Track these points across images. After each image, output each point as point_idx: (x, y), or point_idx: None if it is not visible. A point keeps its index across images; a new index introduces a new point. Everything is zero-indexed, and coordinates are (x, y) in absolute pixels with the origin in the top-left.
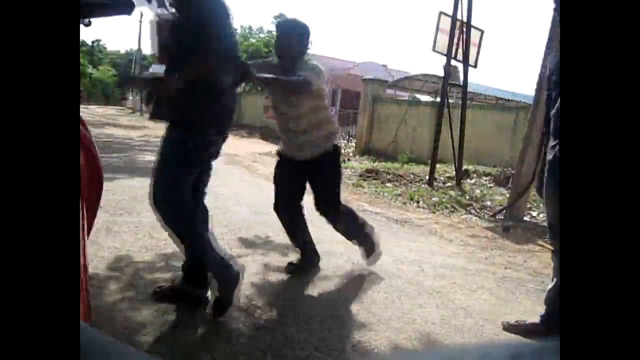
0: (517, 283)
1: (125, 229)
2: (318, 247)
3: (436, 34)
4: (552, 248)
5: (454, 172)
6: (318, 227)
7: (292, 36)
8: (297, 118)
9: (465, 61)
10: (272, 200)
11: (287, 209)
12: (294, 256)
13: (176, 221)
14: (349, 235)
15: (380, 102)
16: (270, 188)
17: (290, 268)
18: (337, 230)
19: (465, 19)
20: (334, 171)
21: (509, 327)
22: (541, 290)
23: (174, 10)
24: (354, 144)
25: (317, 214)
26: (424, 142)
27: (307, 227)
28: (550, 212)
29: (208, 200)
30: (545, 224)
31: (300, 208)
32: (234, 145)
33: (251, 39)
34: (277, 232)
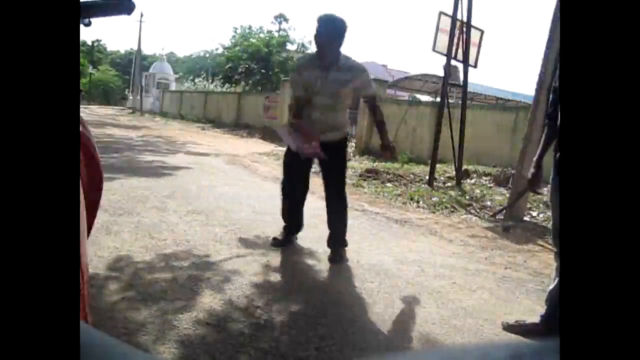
0: (517, 283)
1: (125, 229)
2: (318, 247)
3: (436, 34)
4: (554, 249)
5: (454, 172)
6: (316, 226)
7: (334, 32)
8: (332, 110)
9: (465, 61)
10: (282, 187)
11: (299, 186)
12: (295, 257)
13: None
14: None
15: (380, 102)
16: (270, 187)
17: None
18: (329, 217)
19: (465, 19)
20: (343, 157)
21: (509, 327)
22: (541, 290)
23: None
24: (354, 144)
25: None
26: (424, 142)
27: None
28: (556, 214)
29: (208, 201)
30: (545, 224)
31: (307, 187)
32: (234, 145)
33: (251, 39)
34: (277, 232)
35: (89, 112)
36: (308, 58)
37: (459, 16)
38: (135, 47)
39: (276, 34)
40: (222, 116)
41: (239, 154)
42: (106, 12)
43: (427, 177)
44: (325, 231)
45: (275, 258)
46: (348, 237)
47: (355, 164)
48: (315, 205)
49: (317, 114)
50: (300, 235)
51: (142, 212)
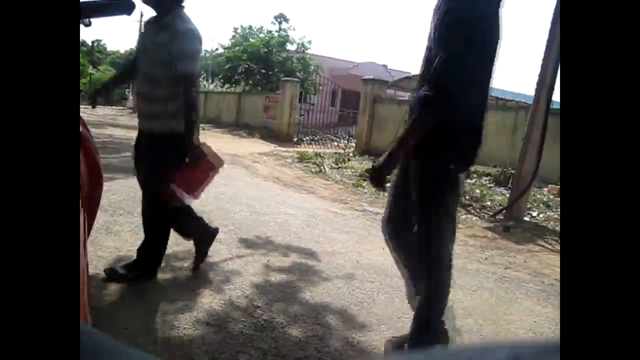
0: (517, 283)
1: (125, 229)
2: (318, 247)
3: None
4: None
5: None
6: (316, 226)
7: None
8: (148, 83)
9: None
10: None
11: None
12: (295, 256)
13: None
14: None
15: (380, 102)
16: (270, 188)
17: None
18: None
19: None
20: (154, 160)
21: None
22: (541, 290)
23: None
24: (354, 144)
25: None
26: None
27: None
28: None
29: (208, 201)
30: (545, 224)
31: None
32: (234, 145)
33: (251, 39)
34: (277, 232)
35: (89, 112)
36: None
37: None
38: (135, 47)
39: (276, 34)
40: (222, 116)
41: (239, 154)
42: (106, 12)
43: None
44: (324, 230)
45: (275, 258)
46: (347, 237)
47: (355, 164)
48: (315, 205)
49: (136, 88)
50: (300, 235)
51: None
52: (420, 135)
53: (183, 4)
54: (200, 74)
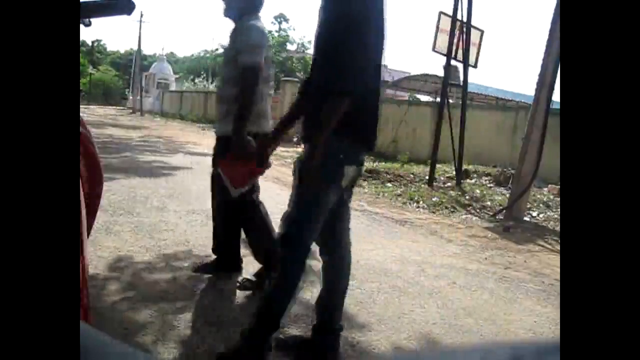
0: (517, 283)
1: (125, 229)
2: (317, 247)
3: (436, 34)
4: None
5: (454, 172)
6: None
7: None
8: (221, 87)
9: (465, 61)
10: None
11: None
12: None
13: None
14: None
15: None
16: (270, 188)
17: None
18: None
19: (465, 19)
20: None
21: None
22: (541, 290)
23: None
24: None
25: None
26: (424, 142)
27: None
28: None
29: (208, 201)
30: (545, 224)
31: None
32: None
33: None
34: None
35: (89, 112)
36: None
37: (459, 16)
38: (135, 47)
39: (276, 34)
40: None
41: None
42: (106, 12)
43: (427, 177)
44: None
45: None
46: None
47: None
48: None
49: (217, 97)
50: None
51: (142, 212)
52: (335, 123)
53: (258, 11)
54: (267, 67)
